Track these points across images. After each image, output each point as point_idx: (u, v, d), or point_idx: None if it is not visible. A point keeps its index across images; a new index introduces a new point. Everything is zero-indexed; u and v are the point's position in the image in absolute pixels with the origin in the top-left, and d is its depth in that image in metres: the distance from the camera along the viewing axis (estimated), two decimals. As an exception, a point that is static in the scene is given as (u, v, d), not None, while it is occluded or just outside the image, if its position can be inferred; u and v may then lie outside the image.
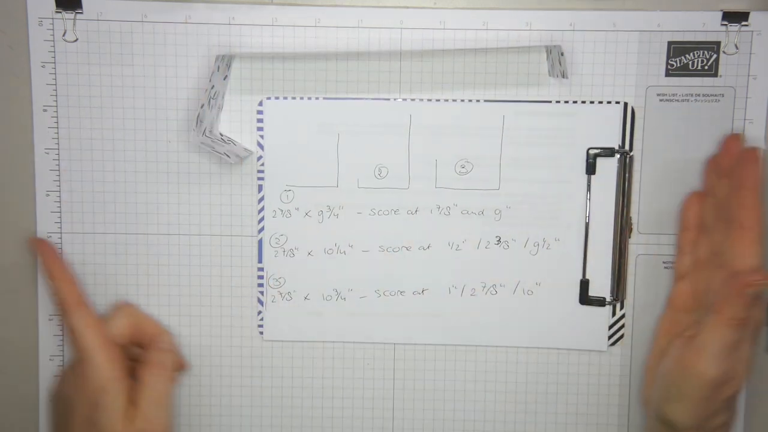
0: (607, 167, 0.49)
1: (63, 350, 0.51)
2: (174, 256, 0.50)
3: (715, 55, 0.48)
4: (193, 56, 0.48)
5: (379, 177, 0.49)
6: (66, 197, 0.49)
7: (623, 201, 0.49)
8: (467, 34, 0.48)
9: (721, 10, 0.48)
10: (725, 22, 0.48)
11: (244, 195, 0.50)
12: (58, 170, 0.49)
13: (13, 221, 0.50)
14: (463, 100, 0.48)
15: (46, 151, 0.49)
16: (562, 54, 0.47)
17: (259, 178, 0.49)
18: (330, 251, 0.50)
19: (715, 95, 0.49)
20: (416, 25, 0.48)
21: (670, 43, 0.48)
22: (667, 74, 0.48)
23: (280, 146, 0.49)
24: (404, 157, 0.49)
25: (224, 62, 0.47)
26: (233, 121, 0.49)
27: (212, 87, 0.47)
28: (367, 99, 0.49)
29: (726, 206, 0.46)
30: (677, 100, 0.49)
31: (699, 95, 0.49)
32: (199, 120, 0.46)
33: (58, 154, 0.49)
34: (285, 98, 0.49)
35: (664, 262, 0.50)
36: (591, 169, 0.48)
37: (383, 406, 0.52)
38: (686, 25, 0.48)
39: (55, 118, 0.49)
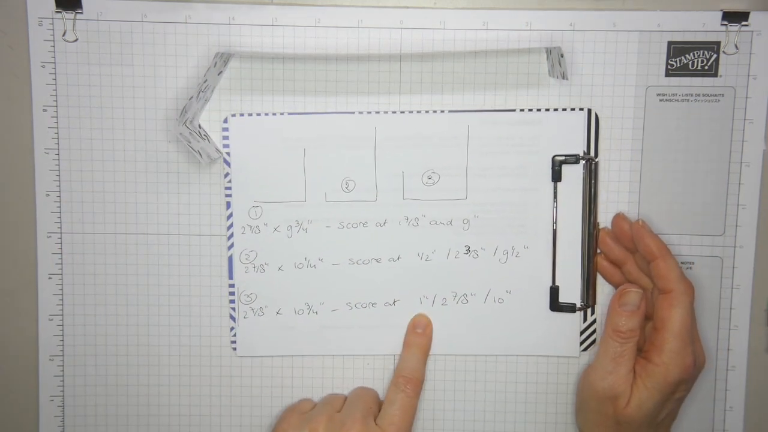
0: (573, 174, 0.49)
1: (63, 350, 0.51)
2: (174, 257, 0.50)
3: (715, 55, 0.48)
4: (193, 56, 0.48)
5: (346, 190, 0.49)
6: (66, 197, 0.49)
7: (590, 207, 0.49)
8: (467, 34, 0.48)
9: (721, 10, 0.48)
10: (725, 22, 0.48)
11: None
12: (58, 170, 0.49)
13: (13, 221, 0.50)
14: (427, 111, 0.49)
15: (46, 151, 0.49)
16: (561, 55, 0.47)
17: (227, 195, 0.49)
18: (300, 265, 0.50)
19: (715, 95, 0.49)
20: (416, 25, 0.48)
21: (670, 43, 0.48)
22: (667, 74, 0.48)
23: (246, 163, 0.49)
24: (371, 169, 0.49)
25: (222, 59, 0.47)
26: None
27: (205, 81, 0.47)
28: (331, 113, 0.49)
29: (644, 273, 0.48)
30: (677, 100, 0.49)
31: (699, 95, 0.49)
32: (183, 111, 0.46)
33: (58, 154, 0.49)
34: (249, 115, 0.49)
35: (664, 262, 0.50)
36: (557, 176, 0.49)
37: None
38: (686, 25, 0.48)
39: (55, 118, 0.49)
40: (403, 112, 0.49)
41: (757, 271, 0.50)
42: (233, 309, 0.50)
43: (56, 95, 0.48)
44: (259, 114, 0.49)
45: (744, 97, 0.48)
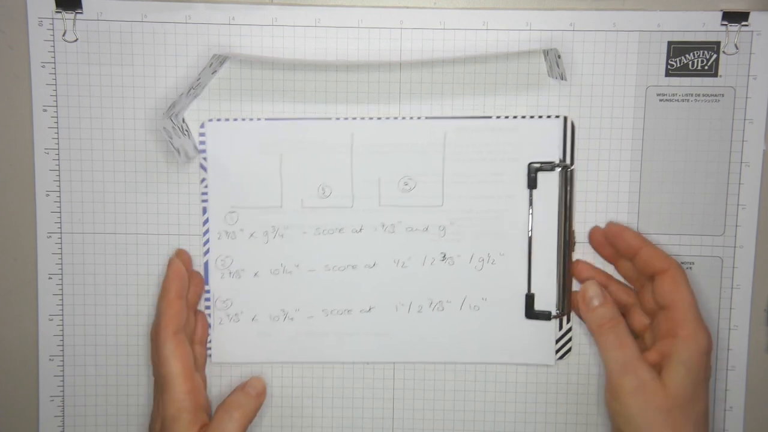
0: (549, 181, 0.49)
1: (63, 350, 0.51)
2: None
3: (715, 55, 0.48)
4: (193, 56, 0.48)
5: (323, 196, 0.49)
6: (66, 197, 0.49)
7: (565, 215, 0.49)
8: (467, 34, 0.48)
9: (721, 10, 0.48)
10: (725, 22, 0.48)
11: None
12: (58, 170, 0.49)
13: (13, 221, 0.50)
14: (404, 118, 0.48)
15: (46, 151, 0.49)
16: (559, 56, 0.47)
17: (203, 200, 0.49)
18: (276, 271, 0.49)
19: (715, 95, 0.49)
20: (416, 25, 0.48)
21: (670, 43, 0.48)
22: (667, 74, 0.48)
23: (223, 168, 0.49)
24: (347, 175, 0.49)
25: (218, 60, 0.47)
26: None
27: (198, 79, 0.47)
28: (308, 119, 0.49)
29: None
30: (677, 100, 0.49)
31: (699, 95, 0.49)
32: (172, 105, 0.46)
33: (58, 154, 0.49)
34: (227, 120, 0.48)
35: (664, 262, 0.50)
36: (533, 183, 0.48)
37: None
38: (686, 25, 0.48)
39: (55, 118, 0.49)
40: (380, 119, 0.48)
41: (757, 271, 0.50)
42: (208, 315, 0.50)
43: (56, 95, 0.48)
44: (236, 119, 0.48)
45: (744, 97, 0.48)
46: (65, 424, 0.51)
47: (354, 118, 0.48)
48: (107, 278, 0.50)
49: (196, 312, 0.50)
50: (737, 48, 0.48)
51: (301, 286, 0.50)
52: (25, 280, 0.50)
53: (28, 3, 0.48)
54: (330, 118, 0.49)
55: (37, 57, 0.48)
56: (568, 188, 0.49)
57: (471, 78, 0.49)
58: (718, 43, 0.48)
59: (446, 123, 0.48)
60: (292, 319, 0.50)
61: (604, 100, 0.49)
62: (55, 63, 0.48)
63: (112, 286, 0.50)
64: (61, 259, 0.50)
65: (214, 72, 0.48)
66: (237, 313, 0.50)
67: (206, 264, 0.50)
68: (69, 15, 0.48)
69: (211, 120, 0.48)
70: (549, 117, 0.48)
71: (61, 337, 0.50)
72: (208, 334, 0.50)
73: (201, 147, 0.49)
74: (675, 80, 0.48)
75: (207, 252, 0.50)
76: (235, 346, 0.50)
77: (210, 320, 0.50)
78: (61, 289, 0.50)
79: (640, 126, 0.49)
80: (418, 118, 0.48)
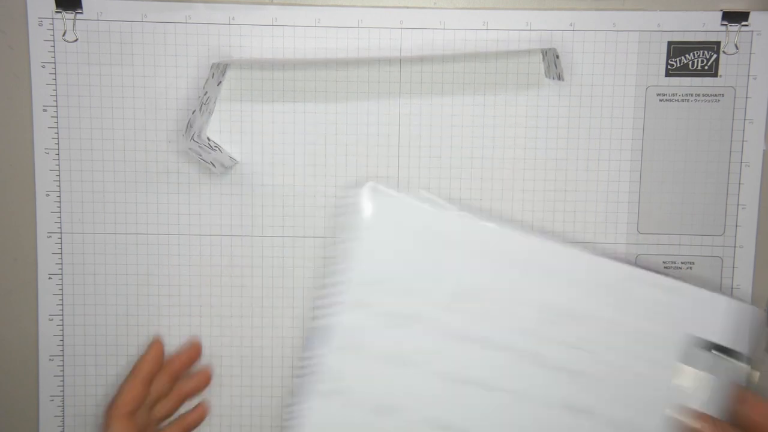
0: (714, 366, 0.39)
1: (63, 350, 0.51)
2: (174, 257, 0.50)
3: (715, 55, 0.48)
4: (193, 56, 0.48)
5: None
6: (66, 197, 0.50)
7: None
8: (467, 34, 0.48)
9: (721, 10, 0.48)
10: (725, 22, 0.48)
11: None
12: (58, 170, 0.49)
13: (13, 221, 0.50)
14: (573, 247, 0.42)
15: (46, 151, 0.49)
16: (557, 56, 0.47)
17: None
18: (391, 360, 0.42)
19: (715, 95, 0.49)
20: (416, 25, 0.48)
21: (670, 43, 0.48)
22: (667, 74, 0.48)
23: (379, 238, 0.42)
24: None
25: (219, 70, 0.47)
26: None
27: (205, 93, 0.47)
28: (469, 215, 0.41)
29: None
30: (677, 100, 0.49)
31: (699, 95, 0.49)
32: (189, 125, 0.46)
33: (58, 154, 0.49)
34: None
35: (663, 262, 0.50)
36: (691, 360, 0.40)
37: None
38: (686, 25, 0.48)
39: (55, 118, 0.49)
40: (553, 245, 0.41)
41: (757, 271, 0.50)
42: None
43: (56, 95, 0.48)
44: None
45: (744, 97, 0.48)
46: (65, 424, 0.51)
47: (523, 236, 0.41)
48: (107, 278, 0.50)
49: (198, 405, 0.50)
50: (737, 48, 0.48)
51: (412, 384, 0.42)
52: (25, 280, 0.50)
53: (28, 3, 0.48)
54: (490, 227, 0.41)
55: (37, 57, 0.48)
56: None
57: (471, 78, 0.49)
58: (718, 43, 0.48)
59: (617, 267, 0.41)
60: (391, 415, 0.42)
61: (604, 100, 0.49)
62: (55, 63, 0.48)
63: (112, 286, 0.50)
64: (61, 259, 0.50)
65: (219, 83, 0.48)
66: (343, 389, 0.42)
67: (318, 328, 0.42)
68: (69, 15, 0.48)
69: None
70: (742, 302, 0.40)
71: (61, 337, 0.50)
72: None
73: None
74: (675, 80, 0.48)
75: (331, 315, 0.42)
76: (331, 427, 0.42)
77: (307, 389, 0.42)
78: (61, 289, 0.50)
79: (640, 126, 0.49)
80: (591, 253, 0.41)
